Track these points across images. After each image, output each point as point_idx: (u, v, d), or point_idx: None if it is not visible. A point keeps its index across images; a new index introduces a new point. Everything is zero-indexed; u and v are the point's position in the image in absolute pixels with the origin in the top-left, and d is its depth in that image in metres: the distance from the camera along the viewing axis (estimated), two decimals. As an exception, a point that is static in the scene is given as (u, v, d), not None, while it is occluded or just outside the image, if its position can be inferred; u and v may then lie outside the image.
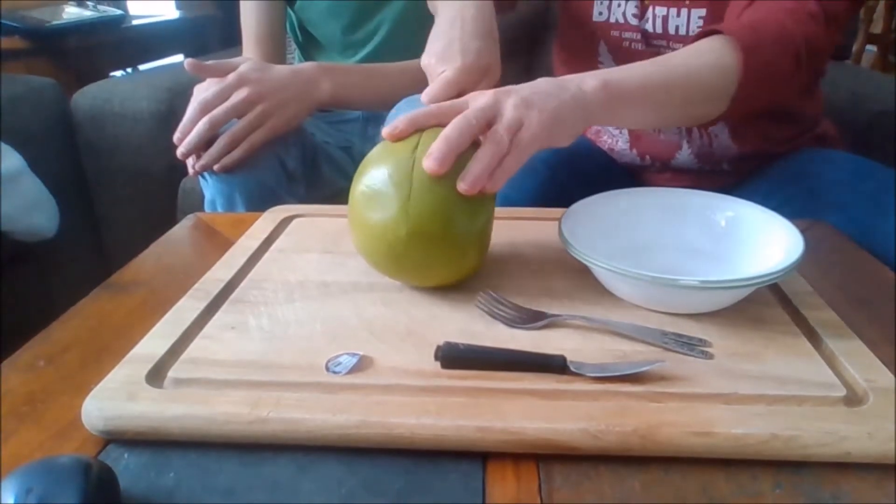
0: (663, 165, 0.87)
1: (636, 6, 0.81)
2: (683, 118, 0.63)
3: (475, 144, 0.50)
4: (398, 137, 0.51)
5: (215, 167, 0.80)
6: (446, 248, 0.49)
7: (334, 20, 1.10)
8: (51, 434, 0.40)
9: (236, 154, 0.81)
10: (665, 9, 0.78)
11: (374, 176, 0.50)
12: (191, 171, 0.82)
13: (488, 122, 0.50)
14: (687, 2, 0.78)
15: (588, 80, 0.55)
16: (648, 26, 0.81)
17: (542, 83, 0.54)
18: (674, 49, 0.80)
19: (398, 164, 0.49)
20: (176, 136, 0.81)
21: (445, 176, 0.48)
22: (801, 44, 0.64)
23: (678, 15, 0.78)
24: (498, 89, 0.52)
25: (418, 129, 0.52)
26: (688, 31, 0.79)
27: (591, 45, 0.87)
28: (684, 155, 0.85)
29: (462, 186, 0.47)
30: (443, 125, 0.50)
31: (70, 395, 0.43)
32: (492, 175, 0.48)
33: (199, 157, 0.81)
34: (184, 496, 0.36)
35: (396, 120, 0.51)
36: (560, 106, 0.52)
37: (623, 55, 0.85)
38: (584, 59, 0.88)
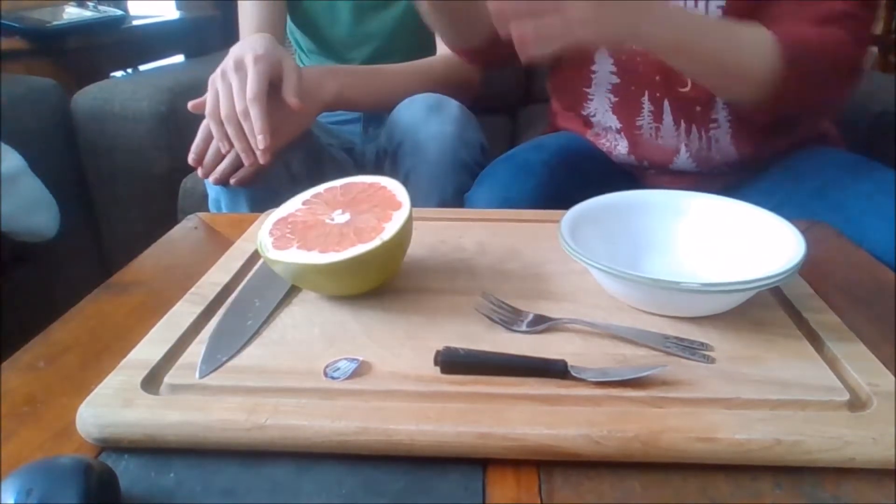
0: (662, 169, 0.87)
1: None
2: (719, 80, 0.66)
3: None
4: None
5: (231, 181, 0.81)
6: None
7: (337, 21, 1.09)
8: (51, 434, 0.40)
9: (249, 168, 0.81)
10: (682, 3, 0.77)
11: None
12: (210, 179, 0.83)
13: None
14: None
15: None
16: None
17: None
18: None
19: None
20: (190, 158, 0.82)
21: None
22: (841, 59, 0.69)
23: (695, 6, 0.77)
24: None
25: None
26: None
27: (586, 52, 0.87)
28: (682, 158, 0.84)
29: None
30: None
31: (70, 396, 0.43)
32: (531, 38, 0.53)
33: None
34: (184, 497, 0.36)
35: None
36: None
37: (623, 56, 0.84)
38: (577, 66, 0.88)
